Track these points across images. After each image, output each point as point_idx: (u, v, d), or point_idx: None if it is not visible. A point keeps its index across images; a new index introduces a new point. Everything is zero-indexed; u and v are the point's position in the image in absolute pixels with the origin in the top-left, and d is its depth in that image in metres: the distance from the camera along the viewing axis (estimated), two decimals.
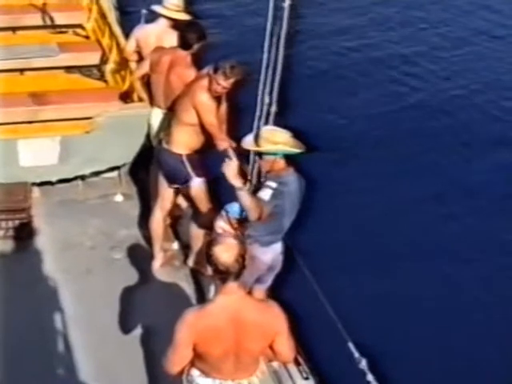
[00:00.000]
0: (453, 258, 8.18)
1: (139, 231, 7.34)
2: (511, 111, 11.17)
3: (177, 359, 4.32)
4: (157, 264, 6.98)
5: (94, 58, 8.67)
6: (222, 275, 4.18)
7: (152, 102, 7.30)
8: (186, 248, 7.12)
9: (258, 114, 5.46)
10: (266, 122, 5.55)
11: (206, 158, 6.72)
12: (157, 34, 7.46)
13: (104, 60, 8.59)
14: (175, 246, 7.25)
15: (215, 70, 6.23)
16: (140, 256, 7.06)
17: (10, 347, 5.92)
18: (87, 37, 9.16)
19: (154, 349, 5.91)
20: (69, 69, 8.67)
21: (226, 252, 4.14)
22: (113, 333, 6.21)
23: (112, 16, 8.95)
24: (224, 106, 6.55)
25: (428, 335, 7.17)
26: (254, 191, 5.49)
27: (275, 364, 5.71)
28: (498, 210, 8.96)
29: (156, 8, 7.52)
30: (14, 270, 6.73)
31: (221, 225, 5.88)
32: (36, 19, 9.20)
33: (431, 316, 7.39)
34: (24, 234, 7.22)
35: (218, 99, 6.41)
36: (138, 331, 6.22)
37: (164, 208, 6.86)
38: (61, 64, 8.63)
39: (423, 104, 11.20)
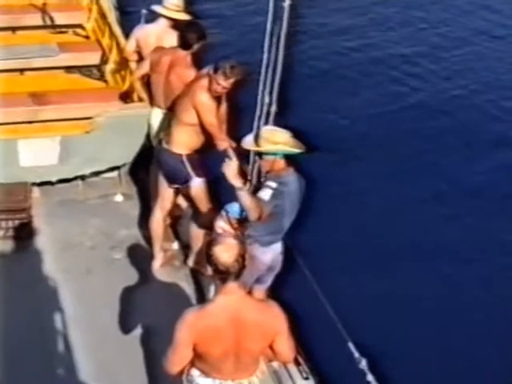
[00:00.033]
0: (453, 258, 8.18)
1: (139, 231, 7.34)
2: (511, 111, 11.16)
3: (177, 359, 4.32)
4: (157, 264, 6.98)
5: (94, 58, 8.67)
6: (222, 275, 4.18)
7: (152, 101, 7.30)
8: (186, 248, 7.12)
9: (258, 113, 5.46)
10: (266, 122, 5.55)
11: (206, 158, 6.72)
12: (157, 34, 7.46)
13: (104, 60, 8.59)
14: (175, 245, 7.25)
15: (215, 70, 6.23)
16: (140, 256, 7.06)
17: (10, 347, 5.92)
18: (87, 37, 9.16)
19: (154, 349, 5.92)
20: (69, 69, 8.67)
21: (225, 252, 4.14)
22: (113, 333, 6.21)
23: (112, 16, 8.95)
24: (224, 106, 6.55)
25: (428, 335, 7.16)
26: (254, 191, 5.49)
27: (275, 364, 5.71)
28: (498, 210, 8.95)
29: (156, 8, 7.52)
30: (14, 270, 6.73)
31: (221, 225, 5.88)
32: (36, 19, 9.20)
33: (431, 316, 7.39)
34: (24, 233, 7.22)
35: (217, 99, 6.41)
36: (138, 331, 6.22)
37: (164, 208, 6.86)
38: (61, 64, 8.63)
39: (423, 104, 11.20)
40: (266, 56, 5.33)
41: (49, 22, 9.24)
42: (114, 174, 7.90)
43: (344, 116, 10.65)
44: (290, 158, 5.54)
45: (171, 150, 6.55)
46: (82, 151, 7.46)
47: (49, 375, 5.87)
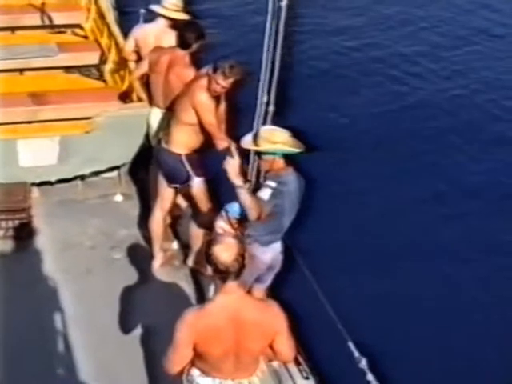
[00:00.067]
0: (452, 258, 8.18)
1: (139, 231, 7.34)
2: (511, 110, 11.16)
3: (177, 359, 4.32)
4: (156, 264, 6.98)
5: (93, 58, 8.67)
6: (222, 275, 4.18)
7: (151, 101, 7.30)
8: (185, 248, 7.12)
9: (258, 113, 5.47)
10: (264, 122, 5.55)
11: (206, 158, 6.71)
12: (155, 34, 7.46)
13: (103, 60, 8.59)
14: (175, 245, 7.25)
15: (214, 70, 6.23)
16: (140, 256, 7.06)
17: (10, 347, 5.93)
18: (86, 37, 9.16)
19: (154, 349, 5.91)
20: (68, 69, 8.67)
21: (225, 251, 4.14)
22: (113, 333, 6.20)
23: (111, 16, 8.95)
24: (223, 106, 6.55)
25: (428, 335, 7.16)
26: (254, 191, 5.49)
27: (275, 364, 5.71)
28: (498, 210, 8.94)
29: (155, 8, 7.51)
30: (14, 270, 6.73)
31: (221, 225, 5.88)
32: (35, 19, 9.19)
33: (431, 316, 7.39)
34: (24, 233, 7.22)
35: (217, 99, 6.40)
36: (137, 331, 6.22)
37: (164, 208, 6.86)
38: (60, 64, 8.63)
39: (423, 103, 11.18)
40: (265, 56, 5.34)
41: (48, 22, 9.23)
42: (114, 173, 7.89)
43: (343, 115, 10.65)
44: (289, 158, 5.53)
45: (170, 150, 6.55)
46: (81, 151, 7.46)
47: (49, 375, 5.87)
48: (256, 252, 5.62)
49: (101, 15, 9.03)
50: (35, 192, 7.62)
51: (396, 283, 7.78)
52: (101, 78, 8.53)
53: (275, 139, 5.44)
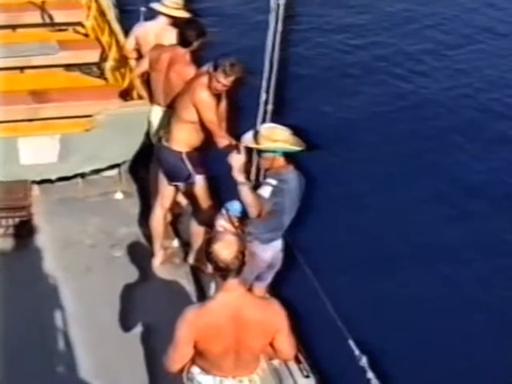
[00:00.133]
0: (452, 257, 8.17)
1: (139, 229, 7.34)
2: None
3: (177, 357, 4.32)
4: (157, 262, 6.98)
5: (93, 56, 8.67)
6: (222, 272, 4.17)
7: (152, 99, 7.30)
8: (186, 245, 7.12)
9: (260, 111, 5.47)
10: (264, 120, 5.55)
11: (206, 156, 6.72)
12: (156, 32, 7.46)
13: (104, 58, 8.59)
14: (175, 243, 7.25)
15: (215, 68, 6.23)
16: (140, 254, 7.06)
17: (10, 345, 5.93)
18: (87, 35, 9.16)
19: (155, 347, 5.92)
20: (68, 67, 8.66)
21: (225, 249, 4.13)
22: (113, 331, 6.21)
23: (111, 14, 8.94)
24: (224, 104, 6.55)
25: (428, 333, 7.16)
26: (254, 188, 5.49)
27: (276, 362, 5.71)
28: (498, 210, 8.92)
29: (155, 6, 7.51)
30: (14, 268, 6.73)
31: (221, 223, 5.88)
32: (35, 17, 9.19)
33: (431, 314, 7.38)
34: (24, 232, 7.22)
35: (217, 97, 6.40)
36: (138, 329, 6.23)
37: (164, 206, 6.86)
38: (60, 62, 8.62)
39: (426, 102, 11.16)
40: (267, 54, 5.34)
41: (48, 20, 9.22)
42: (114, 171, 7.89)
43: (345, 113, 10.63)
44: (289, 156, 5.53)
45: (171, 148, 6.55)
46: (81, 149, 7.46)
47: (49, 373, 5.87)
48: (256, 250, 5.62)
49: (101, 13, 9.02)
50: (35, 190, 7.62)
51: (397, 282, 7.78)
52: (101, 75, 8.53)
53: (276, 137, 5.44)
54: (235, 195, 5.50)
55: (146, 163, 7.53)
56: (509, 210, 8.90)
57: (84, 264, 6.92)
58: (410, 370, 6.72)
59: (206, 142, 6.56)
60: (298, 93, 10.53)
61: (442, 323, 7.26)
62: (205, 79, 6.34)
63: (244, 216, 5.69)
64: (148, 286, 6.74)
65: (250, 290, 5.40)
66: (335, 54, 12.29)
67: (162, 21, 7.50)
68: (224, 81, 6.24)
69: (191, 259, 6.97)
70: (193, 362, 4.42)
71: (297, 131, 5.59)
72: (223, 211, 5.94)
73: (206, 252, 4.21)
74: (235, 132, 6.36)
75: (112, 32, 8.56)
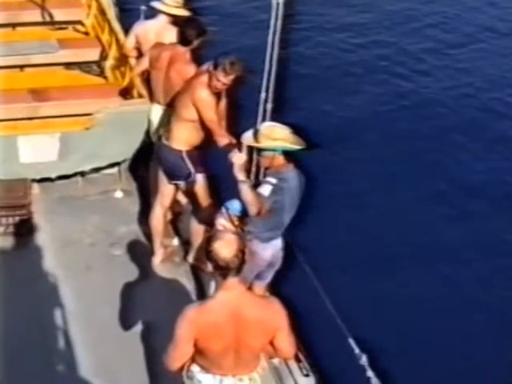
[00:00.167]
0: (452, 257, 8.16)
1: (139, 227, 7.34)
2: None
3: (177, 355, 4.32)
4: (157, 260, 6.98)
5: (93, 55, 8.66)
6: (222, 271, 4.17)
7: (152, 98, 7.30)
8: (186, 244, 7.12)
9: (260, 110, 5.47)
10: (263, 119, 5.55)
11: (206, 154, 6.71)
12: (156, 30, 7.46)
13: (104, 56, 8.58)
14: (175, 242, 7.25)
15: (215, 67, 6.22)
16: (140, 252, 7.06)
17: (10, 344, 5.93)
18: (87, 33, 9.15)
19: (155, 345, 5.92)
20: (68, 65, 8.65)
21: (225, 248, 4.13)
22: (113, 329, 6.21)
23: (111, 12, 8.94)
24: (224, 103, 6.54)
25: (428, 332, 7.15)
26: (254, 187, 5.49)
27: (275, 360, 5.71)
28: (501, 210, 8.91)
29: (155, 4, 7.51)
30: (14, 267, 6.73)
31: (221, 222, 5.89)
32: (35, 16, 9.18)
33: (431, 314, 7.38)
34: (24, 230, 7.22)
35: (217, 95, 6.40)
36: (138, 327, 6.22)
37: (164, 204, 6.86)
38: (60, 60, 8.62)
39: (427, 101, 11.14)
40: (268, 53, 5.34)
41: (48, 19, 9.22)
42: (114, 170, 7.89)
43: (346, 113, 10.63)
44: (289, 155, 5.53)
45: (171, 146, 6.55)
46: (81, 147, 7.46)
47: (49, 371, 5.87)
48: (256, 249, 5.61)
49: (101, 11, 9.02)
50: (35, 188, 7.62)
51: (397, 280, 7.78)
52: (101, 74, 8.52)
53: (275, 136, 5.43)
54: (235, 194, 5.50)
55: (146, 162, 7.52)
56: (509, 210, 8.89)
57: (84, 262, 6.91)
58: (409, 369, 6.71)
59: (206, 140, 6.56)
60: (299, 91, 10.52)
61: (442, 323, 7.25)
62: (205, 78, 6.33)
63: (244, 215, 5.69)
64: (148, 284, 6.73)
65: (250, 288, 5.41)
66: (336, 53, 12.28)
67: (162, 19, 7.49)
68: (224, 79, 6.24)
69: (191, 258, 6.97)
70: (193, 360, 4.42)
71: (297, 130, 5.59)
72: (223, 210, 5.94)
73: (206, 251, 4.21)
74: (235, 131, 6.36)
75: (112, 30, 8.56)
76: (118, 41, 8.33)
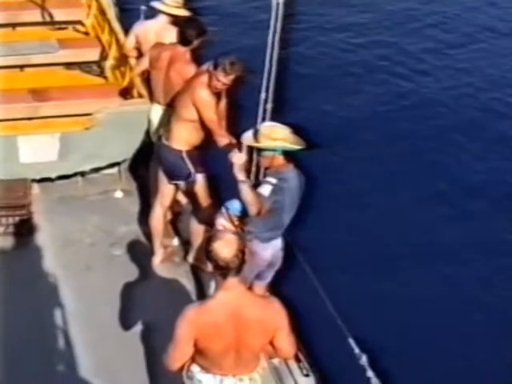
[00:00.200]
0: (452, 257, 8.15)
1: (139, 227, 7.34)
2: None
3: (177, 355, 4.32)
4: (157, 260, 6.98)
5: (93, 55, 8.66)
6: (222, 271, 4.17)
7: (152, 98, 7.30)
8: (186, 244, 7.12)
9: (260, 110, 5.47)
10: (263, 119, 5.55)
11: (206, 154, 6.71)
12: (156, 30, 7.46)
13: (104, 56, 8.59)
14: (175, 242, 7.25)
15: (215, 67, 6.22)
16: (140, 252, 7.06)
17: (9, 344, 5.92)
18: (87, 33, 9.15)
19: (155, 345, 5.92)
20: (68, 65, 8.65)
21: (225, 247, 4.13)
22: (113, 329, 6.21)
23: (111, 12, 8.94)
24: (224, 103, 6.54)
25: (428, 332, 7.15)
26: (254, 187, 5.49)
27: (275, 360, 5.71)
28: (500, 210, 8.91)
29: (155, 4, 7.51)
30: (14, 267, 6.73)
31: (221, 222, 5.89)
32: (35, 16, 9.19)
33: (431, 313, 7.37)
34: (24, 230, 7.22)
35: (217, 95, 6.40)
36: (138, 327, 6.22)
37: (164, 204, 6.85)
38: (60, 60, 8.62)
39: (426, 101, 11.14)
40: (268, 53, 5.34)
41: (48, 19, 9.22)
42: (114, 170, 7.89)
43: (346, 112, 10.62)
44: (289, 155, 5.53)
45: (171, 146, 6.55)
46: (81, 147, 7.46)
47: (49, 371, 5.86)
48: (256, 249, 5.61)
49: (101, 11, 9.02)
50: (35, 188, 7.62)
51: (397, 280, 7.78)
52: (101, 74, 8.52)
53: (275, 136, 5.43)
54: (235, 194, 5.50)
55: (146, 162, 7.53)
56: (509, 210, 8.88)
57: (84, 262, 6.91)
58: (409, 369, 6.71)
59: (206, 140, 6.56)
60: (299, 91, 10.52)
61: (442, 323, 7.25)
62: (205, 78, 6.33)
63: (244, 215, 5.69)
64: (148, 284, 6.73)
65: (250, 288, 5.40)
66: (336, 53, 12.28)
67: (162, 19, 7.50)
68: (224, 79, 6.24)
69: (191, 258, 6.97)
70: (193, 360, 4.42)
71: (297, 130, 5.59)
72: (223, 210, 5.94)
73: (206, 251, 4.21)
74: (235, 131, 6.36)
75: (112, 30, 8.56)
76: (118, 41, 8.33)
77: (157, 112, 7.21)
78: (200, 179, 6.59)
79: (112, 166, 7.80)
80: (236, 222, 5.84)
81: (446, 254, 8.16)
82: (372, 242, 8.17)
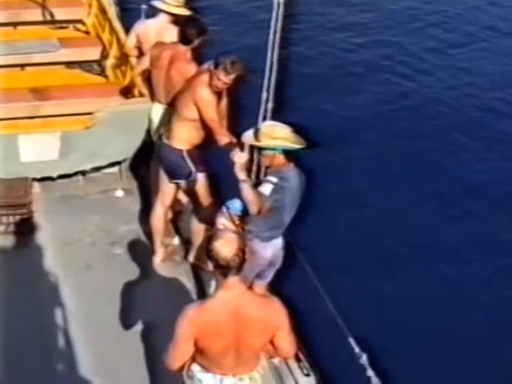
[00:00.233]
0: (452, 257, 8.15)
1: (140, 226, 7.34)
2: None
3: (178, 354, 4.32)
4: (157, 259, 6.98)
5: (94, 54, 8.67)
6: (223, 270, 4.17)
7: (152, 97, 7.30)
8: (186, 243, 7.12)
9: (261, 109, 5.47)
10: (264, 118, 5.55)
11: (207, 154, 6.72)
12: (157, 30, 7.46)
13: (104, 55, 8.59)
14: (176, 241, 7.25)
15: (216, 66, 6.22)
16: (140, 251, 7.06)
17: (10, 342, 5.92)
18: (87, 32, 9.16)
19: (155, 344, 5.92)
20: (69, 64, 8.66)
21: (226, 247, 4.13)
22: (113, 328, 6.21)
23: (112, 11, 8.94)
24: (224, 102, 6.55)
25: (428, 332, 7.15)
26: (255, 186, 5.49)
27: (276, 360, 5.71)
28: (501, 210, 8.90)
29: (156, 3, 7.51)
30: (15, 266, 6.73)
31: (222, 221, 5.89)
32: (36, 15, 9.20)
33: (431, 313, 7.37)
34: (24, 229, 7.22)
35: (218, 94, 6.40)
36: (138, 326, 6.22)
37: (164, 203, 6.86)
38: (61, 59, 8.63)
39: (427, 101, 11.12)
40: (269, 52, 5.34)
41: (49, 18, 9.23)
42: (115, 169, 7.89)
43: (347, 112, 10.62)
44: (290, 154, 5.53)
45: (172, 146, 6.55)
46: (82, 146, 7.46)
47: (49, 370, 5.87)
48: (257, 248, 5.62)
49: (102, 10, 9.03)
50: (36, 187, 7.62)
51: (397, 280, 7.77)
52: (102, 73, 8.52)
53: (276, 135, 5.44)
54: (236, 193, 5.50)
55: (147, 161, 7.53)
56: (509, 210, 8.88)
57: (84, 261, 6.91)
58: (409, 369, 6.71)
59: (207, 139, 6.56)
60: (300, 91, 10.52)
61: (442, 323, 7.25)
62: (205, 77, 6.33)
63: (245, 214, 5.69)
64: (148, 283, 6.73)
65: (250, 287, 5.40)
66: (337, 53, 12.27)
67: (162, 18, 7.50)
68: (225, 79, 6.24)
69: (192, 257, 6.97)
70: (193, 359, 4.42)
71: (297, 129, 5.59)
72: (224, 209, 5.94)
73: (207, 250, 4.21)
74: (236, 130, 6.36)
75: (113, 30, 8.56)
76: (118, 40, 8.33)
77: (157, 111, 7.22)
78: (201, 178, 6.59)
79: (113, 165, 7.80)
80: (237, 222, 5.84)
81: (446, 254, 8.16)
82: (372, 242, 8.17)
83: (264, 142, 5.44)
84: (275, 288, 6.13)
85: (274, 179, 5.41)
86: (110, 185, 7.85)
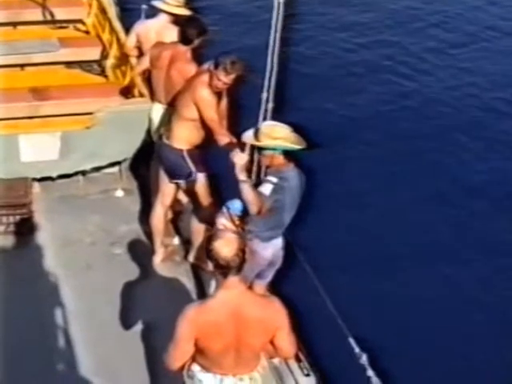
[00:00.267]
0: (452, 257, 8.15)
1: (140, 226, 7.34)
2: None
3: (178, 354, 4.32)
4: (157, 259, 6.98)
5: (94, 53, 8.67)
6: (223, 270, 4.17)
7: (152, 97, 7.30)
8: (186, 243, 7.12)
9: (262, 109, 5.46)
10: (264, 118, 5.55)
11: (207, 154, 6.71)
12: (157, 30, 7.46)
13: (104, 55, 8.59)
14: (176, 241, 7.25)
15: (216, 66, 6.22)
16: (140, 251, 7.06)
17: (10, 342, 5.92)
18: (87, 32, 9.16)
19: (155, 344, 5.92)
20: (69, 64, 8.66)
21: (226, 246, 4.13)
22: (113, 328, 6.21)
23: (112, 11, 8.95)
24: (224, 102, 6.55)
25: (428, 332, 7.15)
26: (255, 186, 5.49)
27: (276, 360, 5.71)
28: (502, 210, 8.90)
29: (156, 3, 7.52)
30: (15, 266, 6.73)
31: (222, 222, 5.89)
32: (36, 14, 9.20)
33: (431, 313, 7.38)
34: (24, 229, 7.22)
35: (218, 94, 6.40)
36: (138, 326, 6.22)
37: (165, 203, 6.86)
38: (61, 59, 8.63)
39: (428, 101, 11.12)
40: (269, 52, 5.34)
41: (49, 18, 9.24)
42: (115, 169, 7.89)
43: (347, 112, 10.62)
44: (290, 154, 5.53)
45: (172, 146, 6.55)
46: (82, 146, 7.46)
47: (49, 370, 5.87)
48: (257, 248, 5.62)
49: (102, 10, 9.03)
50: (36, 187, 7.62)
51: (397, 280, 7.77)
52: (102, 73, 8.52)
53: (276, 135, 5.43)
54: (236, 193, 5.50)
55: (147, 161, 7.53)
56: (509, 210, 8.88)
57: (84, 261, 6.91)
58: (409, 369, 6.71)
59: (207, 139, 6.56)
60: (300, 91, 10.52)
61: (442, 323, 7.25)
62: (206, 77, 6.33)
63: (245, 214, 5.69)
64: (148, 283, 6.73)
65: (250, 287, 5.41)
66: (337, 53, 12.27)
67: (163, 18, 7.50)
68: (225, 79, 6.24)
69: (192, 257, 6.97)
70: (193, 359, 4.42)
71: (298, 129, 5.59)
72: (224, 210, 5.94)
73: (207, 250, 4.21)
74: (236, 130, 6.36)
75: (113, 29, 8.57)
76: (118, 40, 8.33)
77: (157, 111, 7.22)
78: (201, 178, 6.59)
79: (113, 165, 7.81)
80: (237, 222, 5.84)
81: (446, 254, 8.16)
82: (372, 242, 8.17)
83: (264, 142, 5.43)
84: (275, 288, 6.13)
85: (274, 179, 5.41)
86: (110, 185, 7.85)
